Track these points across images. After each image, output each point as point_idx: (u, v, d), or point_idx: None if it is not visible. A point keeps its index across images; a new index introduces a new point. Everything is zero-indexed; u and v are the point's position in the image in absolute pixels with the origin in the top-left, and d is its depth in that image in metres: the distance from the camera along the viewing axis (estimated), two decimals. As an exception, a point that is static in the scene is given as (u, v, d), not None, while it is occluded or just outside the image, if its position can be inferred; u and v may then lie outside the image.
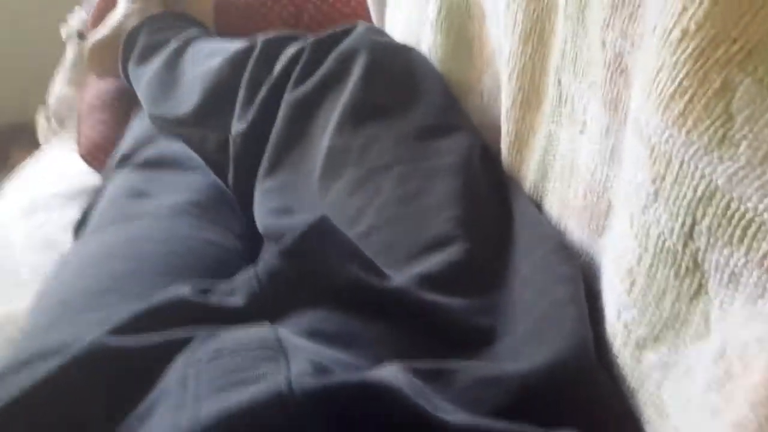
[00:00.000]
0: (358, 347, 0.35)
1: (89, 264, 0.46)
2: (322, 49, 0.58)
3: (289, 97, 0.57)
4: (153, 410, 0.30)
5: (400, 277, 0.40)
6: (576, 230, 0.42)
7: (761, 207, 0.25)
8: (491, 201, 0.46)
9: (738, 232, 0.26)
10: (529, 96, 0.46)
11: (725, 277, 0.27)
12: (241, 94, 0.63)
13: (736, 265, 0.26)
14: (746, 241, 0.25)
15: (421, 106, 0.52)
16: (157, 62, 0.79)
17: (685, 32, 0.28)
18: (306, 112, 0.56)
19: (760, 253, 0.25)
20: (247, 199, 0.60)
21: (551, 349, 0.32)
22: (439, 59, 0.58)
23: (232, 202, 0.61)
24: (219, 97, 0.67)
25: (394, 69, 0.55)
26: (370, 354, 0.35)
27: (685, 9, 0.28)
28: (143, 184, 0.58)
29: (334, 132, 0.52)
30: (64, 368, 0.32)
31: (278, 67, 0.61)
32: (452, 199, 0.45)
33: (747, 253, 0.25)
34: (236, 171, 0.61)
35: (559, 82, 0.43)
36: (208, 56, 0.73)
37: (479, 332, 0.37)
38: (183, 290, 0.37)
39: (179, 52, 0.78)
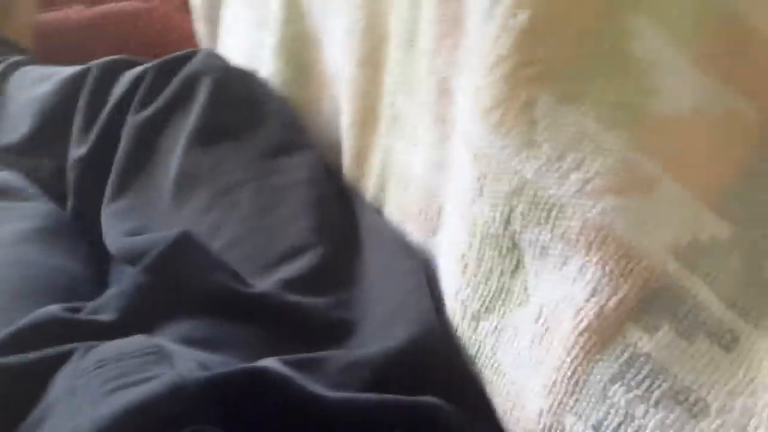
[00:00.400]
0: (231, 350, 0.38)
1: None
2: (164, 73, 0.60)
3: (132, 120, 0.59)
4: (43, 423, 0.31)
5: (263, 284, 0.43)
6: (414, 232, 0.47)
7: (559, 193, 0.32)
8: (339, 210, 0.51)
9: (544, 214, 0.33)
10: (366, 116, 0.52)
11: (537, 251, 0.33)
12: (78, 119, 0.63)
13: (544, 241, 0.33)
14: (550, 221, 0.32)
15: (268, 126, 0.56)
16: (-22, 89, 0.76)
17: (499, 57, 0.35)
18: (151, 135, 0.58)
19: (561, 229, 0.32)
20: (88, 225, 0.60)
21: (405, 331, 0.37)
22: (280, 83, 0.62)
23: (72, 229, 0.61)
24: (52, 123, 0.66)
25: (239, 92, 0.58)
26: (242, 355, 0.38)
27: (498, 38, 0.35)
28: (-19, 213, 0.56)
29: (184, 153, 0.54)
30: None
31: (118, 91, 0.62)
32: (305, 210, 0.49)
33: (551, 230, 0.32)
34: (76, 197, 0.61)
35: (393, 103, 0.49)
36: (37, 82, 0.72)
37: (340, 325, 0.41)
38: (52, 309, 0.38)
39: (3, 78, 0.76)
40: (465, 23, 0.42)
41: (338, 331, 0.41)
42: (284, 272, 0.44)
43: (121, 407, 0.29)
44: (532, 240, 0.33)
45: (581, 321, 0.30)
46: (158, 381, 0.30)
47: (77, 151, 0.61)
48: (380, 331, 0.39)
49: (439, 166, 0.45)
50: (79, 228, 0.60)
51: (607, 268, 0.30)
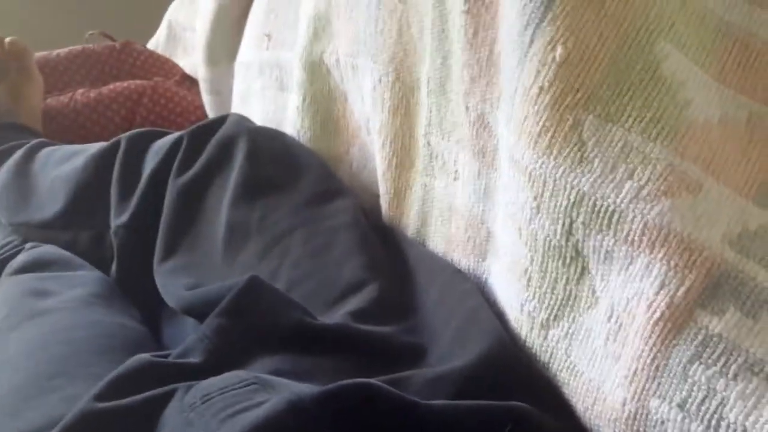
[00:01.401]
0: (316, 380, 0.40)
1: (20, 359, 0.46)
2: (200, 137, 0.63)
3: (174, 184, 0.62)
4: None
5: (330, 319, 0.46)
6: (462, 260, 0.51)
7: (618, 201, 0.36)
8: (385, 248, 0.54)
9: (605, 221, 0.36)
10: (402, 158, 0.56)
11: (601, 256, 0.36)
12: (115, 189, 0.66)
13: (608, 246, 0.36)
14: (612, 226, 0.36)
15: (306, 177, 0.59)
16: (4, 172, 0.78)
17: (541, 88, 0.39)
18: (195, 195, 0.61)
19: (624, 233, 0.35)
20: (133, 288, 0.62)
21: (479, 345, 0.40)
22: (309, 139, 0.66)
23: (120, 293, 0.63)
24: (87, 195, 0.69)
25: (274, 148, 0.62)
26: (327, 384, 0.40)
27: (538, 72, 0.39)
28: (38, 284, 0.58)
29: (230, 209, 0.57)
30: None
31: (154, 158, 0.65)
32: (355, 249, 0.52)
33: (614, 235, 0.36)
34: (121, 261, 0.63)
35: (429, 143, 0.53)
36: (64, 159, 0.75)
37: (412, 350, 0.44)
38: (143, 356, 0.40)
39: (28, 159, 0.78)
40: (497, 64, 0.46)
41: (411, 356, 0.43)
42: (347, 307, 0.47)
43: (246, 426, 0.31)
44: (596, 246, 0.36)
45: (654, 312, 0.33)
46: (274, 401, 0.32)
47: (119, 219, 0.64)
48: (453, 349, 0.42)
49: (482, 195, 0.48)
50: (125, 290, 0.63)
51: (671, 262, 0.34)
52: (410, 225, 0.56)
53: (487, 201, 0.48)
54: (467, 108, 0.48)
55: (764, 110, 0.39)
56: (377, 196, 0.59)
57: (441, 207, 0.53)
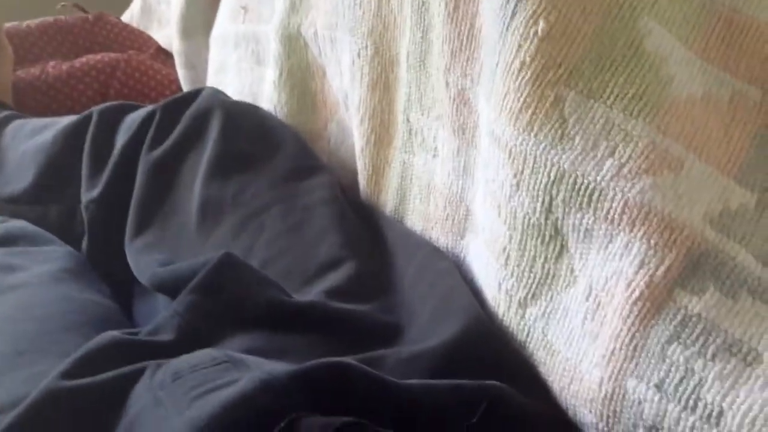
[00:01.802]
0: (290, 358, 0.39)
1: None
2: (173, 111, 0.61)
3: (146, 158, 0.60)
4: None
5: (305, 296, 0.45)
6: (441, 238, 0.50)
7: (599, 178, 0.35)
8: (363, 225, 0.53)
9: (585, 199, 0.35)
10: (381, 134, 0.54)
11: (581, 234, 0.36)
12: (86, 163, 0.64)
13: (588, 224, 0.35)
14: (592, 204, 0.35)
15: (282, 153, 0.58)
16: (-28, 144, 0.76)
17: (522, 63, 0.38)
18: (168, 170, 0.59)
19: (604, 211, 0.35)
20: (104, 263, 0.61)
21: (456, 323, 0.39)
22: (286, 114, 0.64)
23: (90, 268, 0.62)
24: (57, 169, 0.67)
25: (250, 123, 0.60)
26: (301, 362, 0.39)
27: (520, 46, 0.38)
28: (7, 259, 0.56)
29: (204, 184, 0.56)
30: (24, 416, 0.32)
31: (126, 133, 0.63)
32: (332, 227, 0.51)
33: (594, 213, 0.35)
34: (92, 237, 0.62)
35: (408, 119, 0.52)
36: (34, 133, 0.73)
37: (388, 328, 0.43)
38: (112, 333, 0.39)
39: (-4, 132, 0.76)
40: (477, 38, 0.45)
41: (387, 334, 0.43)
42: (323, 285, 0.46)
43: (217, 406, 0.30)
44: (575, 224, 0.36)
45: (633, 291, 0.33)
46: (246, 380, 0.31)
47: (89, 193, 0.62)
48: (430, 328, 0.41)
49: (462, 173, 0.47)
50: (95, 266, 0.61)
51: (651, 241, 0.33)
52: (389, 202, 0.55)
53: (466, 178, 0.47)
54: (447, 83, 0.47)
55: (747, 88, 0.38)
56: (355, 173, 0.58)
57: (420, 184, 0.52)
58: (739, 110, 0.38)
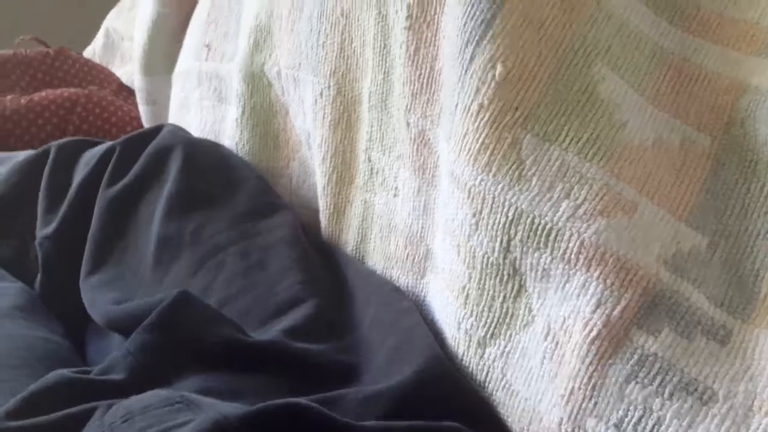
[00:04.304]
0: (246, 399, 0.38)
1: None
2: (134, 147, 0.60)
3: (104, 194, 0.59)
4: None
5: (264, 335, 0.44)
6: (401, 277, 0.49)
7: (555, 218, 0.35)
8: (324, 265, 0.53)
9: (542, 239, 0.36)
10: (343, 173, 0.54)
11: (539, 274, 0.36)
12: (42, 198, 0.63)
13: (545, 263, 0.35)
14: (550, 244, 0.35)
15: (243, 191, 0.57)
16: None
17: (481, 106, 0.39)
18: (126, 207, 0.58)
19: (561, 251, 0.35)
20: (58, 301, 0.59)
21: (415, 364, 0.39)
22: (248, 152, 0.64)
23: (42, 305, 0.60)
24: (12, 205, 0.65)
25: (210, 160, 0.59)
26: (257, 403, 0.38)
27: (478, 89, 0.39)
28: (-45, 296, 0.54)
29: (162, 222, 0.55)
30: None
31: (84, 168, 0.62)
32: (292, 266, 0.50)
33: (551, 253, 0.35)
34: (46, 273, 0.60)
35: (369, 158, 0.52)
36: (-12, 168, 0.71)
37: (345, 369, 0.42)
38: (62, 372, 0.37)
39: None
40: (437, 80, 0.45)
41: (346, 374, 0.42)
42: (282, 324, 0.45)
43: None
44: (533, 264, 0.36)
45: (591, 331, 0.33)
46: (199, 422, 0.30)
47: (45, 229, 0.60)
48: (389, 368, 0.41)
49: (422, 212, 0.47)
50: (49, 303, 0.59)
51: (608, 281, 0.33)
52: (349, 241, 0.55)
53: (426, 218, 0.47)
54: (408, 124, 0.47)
55: (696, 135, 0.39)
56: (317, 212, 0.58)
57: (381, 223, 0.52)
58: (689, 156, 0.39)
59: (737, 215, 0.37)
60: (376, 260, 0.52)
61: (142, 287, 0.53)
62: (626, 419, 0.31)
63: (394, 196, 0.50)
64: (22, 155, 0.69)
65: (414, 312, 0.44)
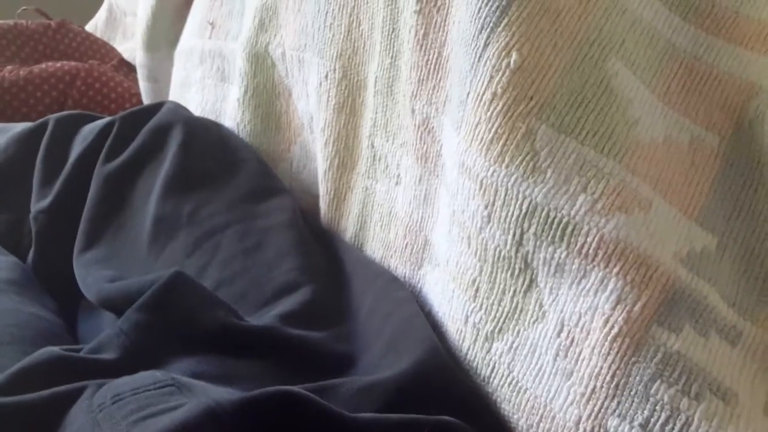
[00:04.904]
0: (238, 384, 0.36)
1: None
2: (132, 123, 0.57)
3: (101, 170, 0.56)
4: None
5: (258, 321, 0.41)
6: (399, 266, 0.47)
7: (572, 212, 0.33)
8: (322, 250, 0.50)
9: (558, 233, 0.33)
10: (345, 158, 0.52)
11: (552, 269, 0.34)
12: (38, 172, 0.59)
13: (560, 258, 0.33)
14: (566, 238, 0.33)
15: (243, 172, 0.54)
16: None
17: (494, 94, 0.36)
18: (123, 184, 0.55)
19: (578, 246, 0.32)
20: (50, 277, 0.56)
21: (412, 355, 0.36)
22: (248, 134, 0.61)
23: (35, 280, 0.57)
24: (7, 177, 0.62)
25: (210, 140, 0.56)
26: (250, 389, 0.35)
27: (492, 78, 0.36)
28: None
29: (159, 200, 0.52)
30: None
31: (82, 143, 0.59)
32: (290, 251, 0.47)
33: (567, 247, 0.33)
34: (39, 248, 0.57)
35: (372, 145, 0.49)
36: (-14, 140, 0.68)
37: (341, 358, 0.40)
38: (52, 349, 0.35)
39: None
40: (444, 67, 0.43)
41: (342, 363, 0.39)
42: (278, 309, 0.43)
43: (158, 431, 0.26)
44: (546, 258, 0.34)
45: (612, 328, 0.31)
46: (190, 406, 0.28)
47: (40, 203, 0.57)
48: (385, 358, 0.38)
49: (422, 202, 0.45)
50: (41, 279, 0.56)
51: (628, 277, 0.31)
52: (349, 228, 0.52)
53: (426, 208, 0.44)
54: (413, 111, 0.44)
55: (705, 134, 0.37)
56: (317, 197, 0.55)
57: (381, 211, 0.49)
58: (698, 155, 0.36)
59: (744, 218, 0.35)
60: (375, 248, 0.49)
61: (137, 266, 0.50)
62: (653, 419, 0.29)
63: (396, 184, 0.47)
64: (19, 127, 0.65)
65: (412, 302, 0.42)
